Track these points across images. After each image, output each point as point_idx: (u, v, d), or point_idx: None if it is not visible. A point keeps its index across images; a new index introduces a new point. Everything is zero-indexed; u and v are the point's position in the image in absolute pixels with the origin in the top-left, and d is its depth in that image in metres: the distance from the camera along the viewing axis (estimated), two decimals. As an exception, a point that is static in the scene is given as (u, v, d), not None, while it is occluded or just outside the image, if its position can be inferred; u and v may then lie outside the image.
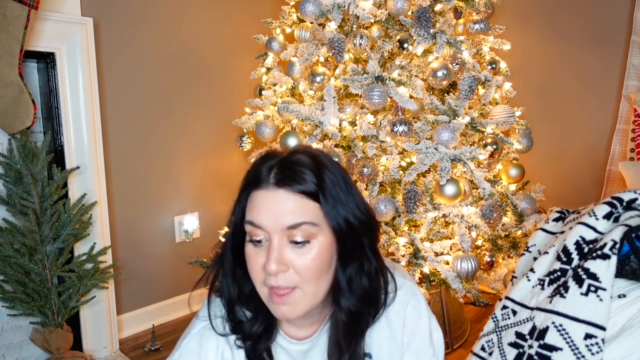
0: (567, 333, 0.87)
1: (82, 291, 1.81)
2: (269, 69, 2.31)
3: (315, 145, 1.87)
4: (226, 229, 0.78)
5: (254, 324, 0.73)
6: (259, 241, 0.65)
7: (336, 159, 0.92)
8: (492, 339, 1.06)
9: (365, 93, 1.78)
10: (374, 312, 0.74)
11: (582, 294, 0.88)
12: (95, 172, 1.95)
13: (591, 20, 2.35)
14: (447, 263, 1.78)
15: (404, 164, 1.88)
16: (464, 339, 2.07)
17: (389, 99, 1.81)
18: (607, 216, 0.97)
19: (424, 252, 1.75)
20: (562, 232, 1.07)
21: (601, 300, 0.86)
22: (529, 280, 1.04)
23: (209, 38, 2.48)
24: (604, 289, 0.86)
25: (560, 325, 0.88)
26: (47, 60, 1.82)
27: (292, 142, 1.87)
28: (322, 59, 2.00)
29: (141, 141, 2.26)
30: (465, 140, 1.99)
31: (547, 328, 0.90)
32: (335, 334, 0.73)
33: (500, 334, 1.04)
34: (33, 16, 1.61)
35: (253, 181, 0.67)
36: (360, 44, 1.83)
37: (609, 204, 0.97)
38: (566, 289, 0.90)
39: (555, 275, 0.98)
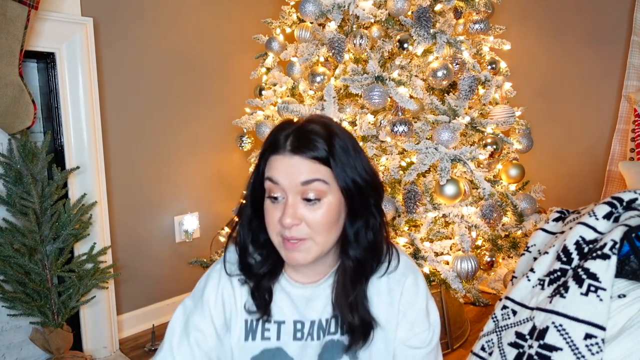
0: (567, 333, 0.87)
1: (82, 291, 1.81)
2: (269, 69, 2.31)
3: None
4: (233, 221, 0.89)
5: (262, 266, 0.83)
6: (276, 198, 0.75)
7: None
8: (492, 339, 1.06)
9: (365, 93, 1.78)
10: (377, 262, 0.83)
11: (582, 294, 0.88)
12: (95, 172, 1.95)
13: (591, 20, 2.34)
14: (447, 263, 1.78)
15: (404, 164, 1.88)
16: (464, 339, 2.07)
17: (389, 99, 1.81)
18: (607, 216, 0.97)
19: (424, 252, 1.75)
20: (562, 232, 1.07)
21: (601, 300, 0.86)
22: (529, 280, 1.04)
23: (209, 38, 2.48)
24: (604, 289, 0.86)
25: (560, 325, 0.88)
26: (47, 60, 1.82)
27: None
28: (322, 59, 2.00)
29: (141, 141, 2.26)
30: (465, 140, 1.99)
31: (547, 328, 0.90)
32: (343, 278, 0.81)
33: (500, 334, 1.04)
34: (33, 16, 1.61)
35: (271, 147, 0.76)
36: (360, 44, 1.83)
37: (609, 204, 0.97)
38: (566, 289, 0.90)
39: (555, 275, 0.98)
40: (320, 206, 0.74)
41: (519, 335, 0.97)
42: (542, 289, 0.99)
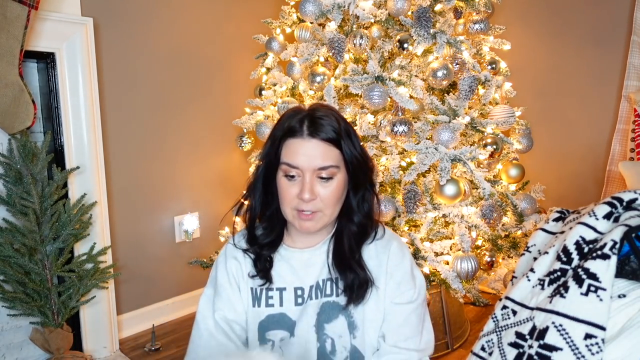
0: (567, 333, 0.87)
1: (82, 291, 1.81)
2: (269, 69, 2.31)
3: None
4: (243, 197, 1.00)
5: (266, 237, 0.96)
6: (293, 176, 0.87)
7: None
8: (492, 339, 1.06)
9: (365, 93, 1.78)
10: (373, 228, 0.96)
11: (582, 294, 0.88)
12: (95, 172, 1.95)
13: (591, 20, 2.34)
14: (447, 263, 1.78)
15: (404, 164, 1.88)
16: (464, 339, 2.07)
17: (389, 99, 1.81)
18: (607, 216, 0.97)
19: (424, 252, 1.75)
20: (562, 232, 1.07)
21: (601, 300, 0.86)
22: (529, 280, 1.04)
23: (209, 38, 2.48)
24: (604, 289, 0.86)
25: (560, 325, 0.88)
26: (47, 60, 1.82)
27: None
28: (322, 59, 2.00)
29: (141, 141, 2.26)
30: (465, 140, 1.99)
31: (547, 328, 0.90)
32: (349, 240, 0.93)
33: (500, 334, 1.04)
34: (33, 16, 1.61)
35: (288, 131, 0.87)
36: (360, 44, 1.83)
37: (609, 204, 0.97)
38: (566, 289, 0.90)
39: (555, 275, 0.98)
40: (332, 183, 0.87)
41: (519, 335, 0.98)
42: (542, 289, 0.99)
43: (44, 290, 1.72)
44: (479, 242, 1.97)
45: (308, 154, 0.85)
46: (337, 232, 0.95)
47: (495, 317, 1.08)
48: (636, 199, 0.98)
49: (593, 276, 0.87)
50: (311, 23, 2.02)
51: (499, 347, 1.01)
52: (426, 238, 1.83)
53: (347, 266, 0.91)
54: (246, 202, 0.98)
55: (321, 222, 0.89)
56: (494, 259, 1.92)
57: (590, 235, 0.96)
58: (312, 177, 0.86)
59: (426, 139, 1.84)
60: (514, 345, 0.97)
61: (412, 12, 1.86)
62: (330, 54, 1.88)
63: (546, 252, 1.04)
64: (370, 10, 1.86)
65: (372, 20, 1.88)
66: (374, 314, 0.92)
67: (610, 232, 0.90)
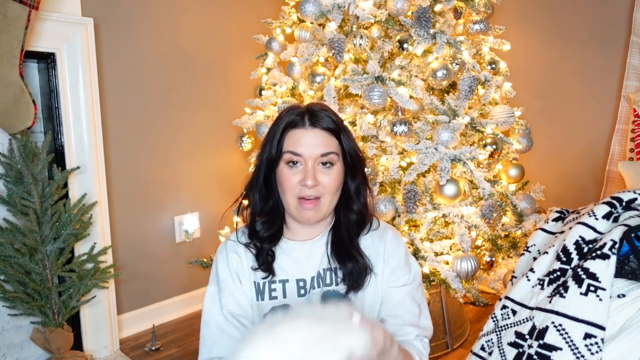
0: (566, 333, 0.87)
1: (83, 291, 1.81)
2: (269, 69, 2.31)
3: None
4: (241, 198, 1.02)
5: (266, 230, 0.98)
6: (295, 163, 0.90)
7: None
8: (491, 339, 1.06)
9: (365, 93, 1.78)
10: (369, 218, 1.00)
11: (581, 293, 0.88)
12: (96, 172, 1.95)
13: (591, 20, 2.35)
14: (447, 263, 1.78)
15: (404, 164, 1.88)
16: (464, 338, 2.07)
17: (389, 99, 1.81)
18: (607, 216, 0.97)
19: (424, 252, 1.75)
20: (562, 232, 1.07)
21: (601, 300, 0.86)
22: (528, 280, 1.04)
23: (209, 38, 2.48)
24: (604, 289, 0.86)
25: (560, 325, 0.88)
26: (47, 60, 1.82)
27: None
28: (322, 59, 2.00)
29: (141, 141, 2.26)
30: (465, 140, 1.99)
31: (546, 328, 0.90)
32: (348, 230, 0.97)
33: (500, 334, 1.04)
34: (33, 16, 1.61)
35: (290, 124, 0.91)
36: (360, 44, 1.83)
37: (609, 204, 0.98)
38: (566, 288, 0.90)
39: (555, 275, 0.98)
40: (333, 170, 0.91)
41: (518, 335, 0.98)
42: (542, 288, 0.99)
43: (45, 290, 1.72)
44: (479, 242, 1.97)
45: (310, 142, 0.89)
46: (335, 223, 0.99)
47: (495, 317, 1.08)
48: (635, 199, 0.98)
49: (592, 276, 0.88)
50: (311, 23, 2.02)
51: (498, 346, 1.01)
52: (426, 238, 1.83)
53: (346, 255, 0.94)
54: (245, 202, 1.00)
55: (321, 212, 0.93)
56: (493, 258, 1.92)
57: (589, 235, 0.96)
58: (314, 164, 0.89)
59: (426, 139, 1.84)
60: (513, 345, 0.97)
61: (412, 13, 1.86)
62: (330, 54, 1.88)
63: (546, 252, 1.04)
64: (370, 11, 1.86)
65: (372, 21, 1.88)
66: (373, 300, 0.96)
67: (610, 232, 0.91)
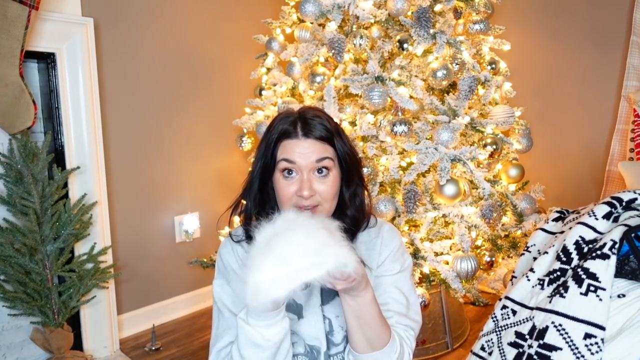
0: (566, 333, 0.87)
1: (83, 291, 1.81)
2: (269, 69, 2.31)
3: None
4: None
5: None
6: (290, 173, 0.90)
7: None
8: (491, 339, 1.07)
9: (365, 93, 1.78)
10: (364, 220, 1.00)
11: (581, 293, 0.88)
12: (96, 172, 1.95)
13: (591, 20, 2.35)
14: (447, 263, 1.78)
15: (404, 164, 1.88)
16: (464, 338, 2.07)
17: (389, 99, 1.81)
18: (607, 216, 0.97)
19: (424, 252, 1.75)
20: (562, 232, 1.07)
21: (601, 300, 0.86)
22: (528, 280, 1.04)
23: (209, 38, 2.48)
24: (604, 289, 0.86)
25: (560, 325, 0.88)
26: (47, 60, 1.82)
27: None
28: (322, 59, 2.00)
29: (141, 141, 2.26)
30: (465, 140, 1.99)
31: (546, 328, 0.90)
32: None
33: (500, 334, 1.04)
34: (33, 16, 1.61)
35: (283, 134, 0.90)
36: (360, 44, 1.83)
37: (609, 204, 0.98)
38: (566, 288, 0.90)
39: (555, 275, 0.98)
40: (328, 178, 0.90)
41: (518, 335, 0.98)
42: (542, 288, 0.99)
43: (45, 290, 1.73)
44: (479, 242, 1.97)
45: (304, 152, 0.88)
46: None
47: (495, 316, 1.08)
48: (635, 199, 0.98)
49: (593, 276, 0.88)
50: (311, 23, 2.02)
51: (498, 346, 1.01)
52: (426, 238, 1.83)
53: None
54: (244, 202, 1.01)
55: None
56: (493, 258, 1.93)
57: (589, 235, 0.96)
58: (309, 174, 0.89)
59: (426, 139, 1.85)
60: (513, 344, 0.97)
61: (412, 13, 1.86)
62: (330, 54, 1.88)
63: (546, 252, 1.04)
64: (370, 11, 1.86)
65: (372, 21, 1.88)
66: None
67: (610, 232, 0.91)
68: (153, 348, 2.09)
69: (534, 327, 0.94)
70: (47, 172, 1.78)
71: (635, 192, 0.99)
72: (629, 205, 0.98)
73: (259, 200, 0.96)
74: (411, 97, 1.84)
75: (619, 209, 0.98)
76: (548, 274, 0.99)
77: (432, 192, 1.82)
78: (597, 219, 0.97)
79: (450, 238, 1.83)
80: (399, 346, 0.86)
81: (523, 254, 1.20)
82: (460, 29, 2.02)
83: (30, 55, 1.74)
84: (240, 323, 0.78)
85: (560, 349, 0.87)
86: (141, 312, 2.30)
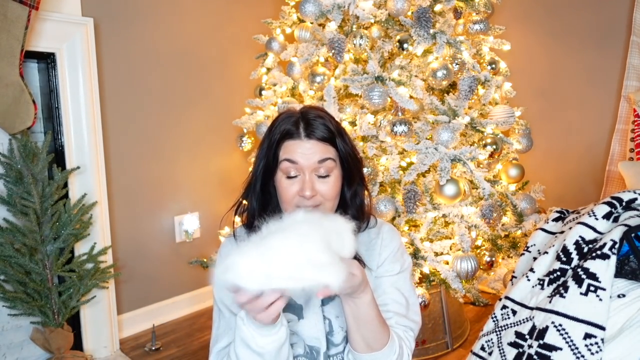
0: (566, 333, 0.87)
1: (83, 291, 1.81)
2: (269, 69, 2.31)
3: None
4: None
5: None
6: (293, 176, 0.90)
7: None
8: (491, 339, 1.07)
9: (365, 93, 1.78)
10: (365, 220, 1.00)
11: (581, 293, 0.88)
12: (96, 172, 1.95)
13: (591, 20, 2.35)
14: (447, 263, 1.78)
15: (404, 164, 1.88)
16: (464, 338, 2.07)
17: (389, 99, 1.81)
18: (607, 216, 0.97)
19: (424, 252, 1.75)
20: (562, 232, 1.07)
21: (601, 300, 0.86)
22: (528, 280, 1.04)
23: (209, 38, 2.48)
24: (604, 289, 0.86)
25: (560, 325, 0.88)
26: (47, 60, 1.82)
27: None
28: (322, 59, 2.00)
29: (141, 141, 2.26)
30: (465, 140, 1.99)
31: (546, 328, 0.90)
32: None
33: (500, 334, 1.04)
34: (33, 16, 1.61)
35: (286, 134, 0.90)
36: (360, 44, 1.83)
37: (609, 204, 0.98)
38: (566, 288, 0.90)
39: (555, 275, 0.98)
40: (330, 179, 0.91)
41: (518, 335, 0.98)
42: (542, 288, 0.99)
43: (45, 290, 1.73)
44: (479, 242, 1.97)
45: (306, 153, 0.89)
46: None
47: (495, 316, 1.08)
48: (635, 199, 0.98)
49: (593, 276, 0.88)
50: (311, 23, 2.02)
51: (498, 346, 1.01)
52: (426, 238, 1.83)
53: None
54: (245, 202, 1.00)
55: None
56: (493, 258, 1.93)
57: (589, 235, 0.96)
58: (311, 175, 0.89)
59: (426, 139, 1.84)
60: (513, 345, 0.97)
61: (412, 13, 1.86)
62: (330, 54, 1.88)
63: (546, 252, 1.04)
64: (370, 11, 1.86)
65: (372, 21, 1.88)
66: None
67: (610, 232, 0.91)
68: (153, 348, 2.09)
69: (534, 327, 0.94)
70: (47, 172, 1.78)
71: (635, 192, 0.99)
72: (629, 205, 0.98)
73: (262, 200, 0.96)
74: (411, 97, 1.84)
75: (619, 209, 0.98)
76: (548, 274, 0.99)
77: (432, 192, 1.82)
78: (597, 219, 0.97)
79: (450, 238, 1.83)
80: (398, 347, 0.86)
81: (523, 254, 1.20)
82: (460, 29, 2.02)
83: (30, 55, 1.74)
84: (238, 322, 0.78)
85: (560, 349, 0.87)
86: (141, 312, 2.30)
